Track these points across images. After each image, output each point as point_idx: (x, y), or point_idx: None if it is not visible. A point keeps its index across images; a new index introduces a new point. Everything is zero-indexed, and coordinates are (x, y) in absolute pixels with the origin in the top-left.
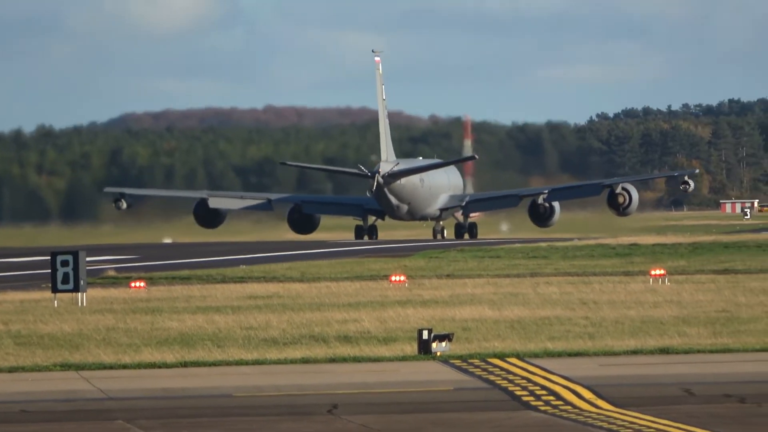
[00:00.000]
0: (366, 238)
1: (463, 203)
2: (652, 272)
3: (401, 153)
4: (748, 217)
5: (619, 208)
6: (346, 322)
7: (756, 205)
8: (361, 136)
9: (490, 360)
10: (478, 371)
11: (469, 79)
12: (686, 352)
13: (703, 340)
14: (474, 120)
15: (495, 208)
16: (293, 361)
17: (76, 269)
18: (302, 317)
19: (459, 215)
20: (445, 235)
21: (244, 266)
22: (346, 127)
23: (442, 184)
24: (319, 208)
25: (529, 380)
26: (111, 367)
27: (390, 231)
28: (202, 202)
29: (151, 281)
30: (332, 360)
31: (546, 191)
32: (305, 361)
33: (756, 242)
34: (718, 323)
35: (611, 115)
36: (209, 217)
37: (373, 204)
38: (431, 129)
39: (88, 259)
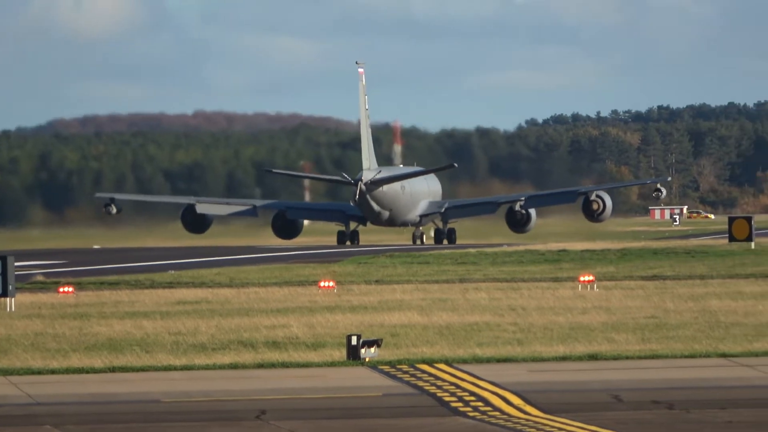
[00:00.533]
0: (348, 243)
1: (443, 210)
2: (581, 278)
3: (331, 159)
4: (677, 223)
5: (594, 215)
6: (275, 328)
7: (685, 211)
8: (290, 142)
9: (418, 366)
10: (406, 377)
11: (399, 84)
12: (615, 358)
13: (631, 346)
14: (403, 125)
15: (474, 214)
16: (222, 367)
17: (4, 274)
18: (231, 323)
19: (438, 221)
20: (424, 240)
21: (173, 271)
22: (275, 132)
23: (422, 191)
24: (302, 214)
25: (457, 386)
26: (39, 372)
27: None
28: (190, 208)
29: (79, 286)
30: (261, 365)
31: (523, 198)
32: (234, 366)
33: (684, 248)
34: (647, 329)
35: (540, 121)
36: (196, 223)
37: (355, 210)
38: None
39: (16, 264)
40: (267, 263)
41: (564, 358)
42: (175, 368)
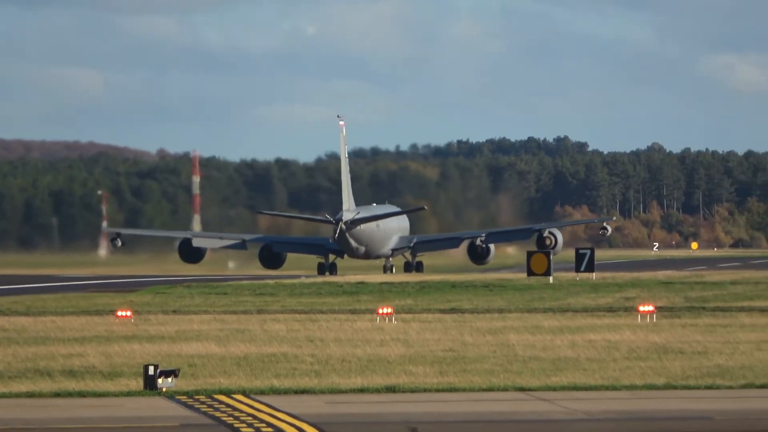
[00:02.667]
0: (327, 273)
1: (412, 244)
2: (380, 311)
3: (131, 189)
4: None
5: (546, 249)
6: (72, 357)
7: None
8: (88, 171)
9: (216, 396)
10: (203, 407)
11: (198, 115)
12: (413, 390)
13: (429, 378)
14: (203, 156)
15: (439, 248)
16: (18, 395)
17: None
18: (27, 351)
19: (408, 254)
20: (393, 271)
21: None
22: (73, 161)
23: (394, 228)
24: (286, 247)
25: (254, 417)
26: None
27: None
28: (186, 241)
29: None
30: (57, 394)
31: (484, 234)
32: (30, 395)
33: (483, 282)
34: (445, 362)
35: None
36: (192, 254)
37: (334, 245)
38: (159, 165)
39: None
40: (66, 292)
41: (362, 390)
42: None
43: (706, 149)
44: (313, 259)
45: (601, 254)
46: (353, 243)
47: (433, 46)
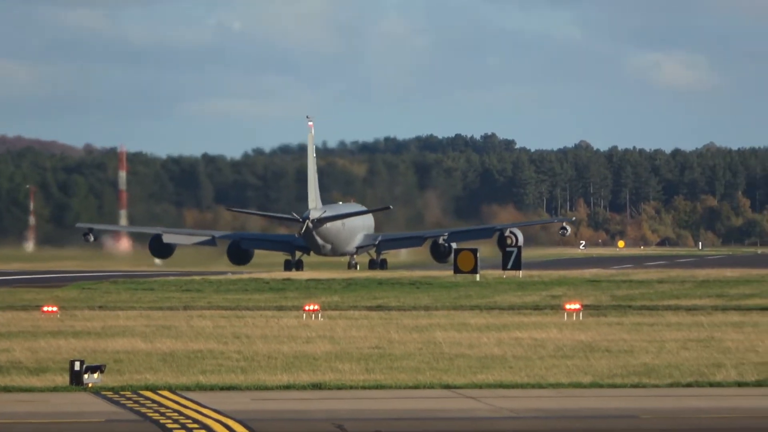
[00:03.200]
0: (294, 270)
1: (377, 242)
2: (306, 307)
3: (58, 183)
4: (403, 254)
5: (507, 248)
6: None
7: None
8: (15, 165)
9: (142, 392)
10: (129, 403)
11: (125, 110)
12: (339, 387)
13: (355, 376)
14: (129, 151)
15: (403, 246)
16: None
17: None
18: None
19: (372, 252)
20: (358, 268)
21: None
22: (0, 155)
23: (358, 226)
24: (254, 244)
25: (180, 413)
26: None
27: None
28: (157, 237)
29: None
30: None
31: (446, 234)
32: None
33: (410, 279)
34: (371, 359)
35: (267, 150)
36: (162, 250)
37: (300, 242)
38: (86, 159)
39: None
40: None
41: (288, 387)
42: None
43: (634, 147)
44: (280, 256)
45: (528, 253)
46: (319, 241)
47: (359, 41)
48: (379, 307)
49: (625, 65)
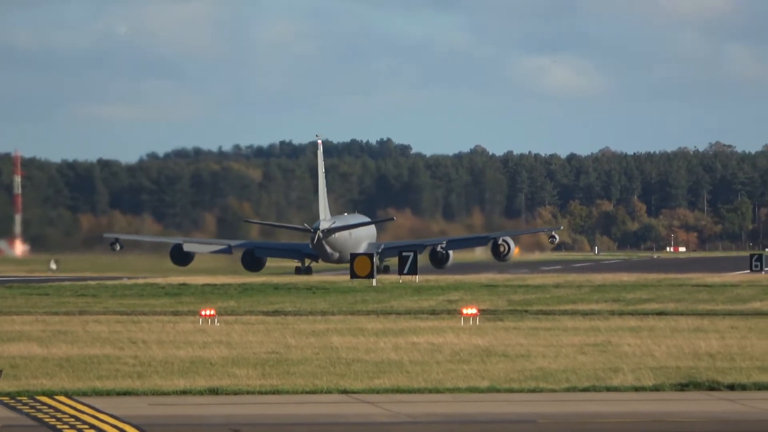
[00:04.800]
0: (304, 275)
1: (380, 250)
2: (202, 312)
3: None
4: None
5: (500, 256)
6: None
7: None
8: None
9: (38, 398)
10: (26, 409)
11: (19, 115)
12: (236, 392)
13: (252, 381)
14: (24, 156)
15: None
16: None
17: None
18: None
19: (376, 259)
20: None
21: None
22: None
23: (363, 235)
24: (266, 252)
25: (77, 418)
26: None
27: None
28: (178, 246)
29: None
30: None
31: (444, 242)
32: None
33: (306, 284)
34: (268, 364)
35: (162, 155)
36: (182, 258)
37: (310, 250)
38: None
39: None
40: None
41: (185, 392)
42: None
43: (529, 152)
44: (291, 263)
45: (425, 257)
46: (329, 249)
47: (246, 46)
48: (275, 312)
49: (514, 70)
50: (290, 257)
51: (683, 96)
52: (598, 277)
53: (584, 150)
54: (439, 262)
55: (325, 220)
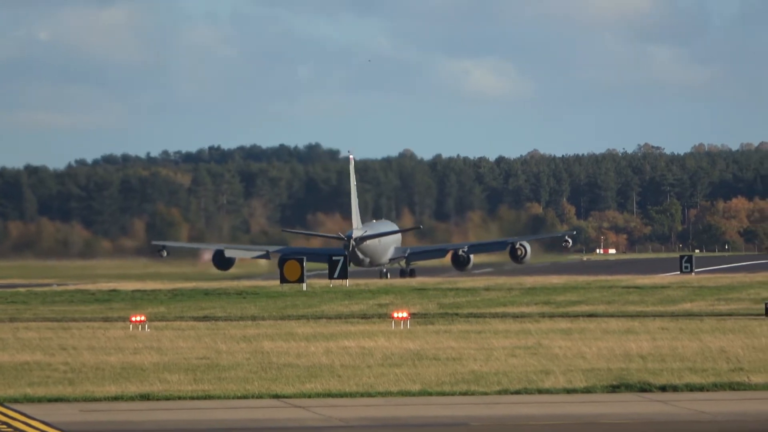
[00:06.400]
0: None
1: (406, 254)
2: (133, 318)
3: None
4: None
5: (518, 258)
6: None
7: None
8: None
9: None
10: None
11: None
12: (167, 398)
13: (184, 386)
14: None
15: (428, 258)
16: None
17: None
18: None
19: (402, 263)
20: (389, 276)
21: None
22: None
23: (390, 241)
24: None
25: (8, 425)
26: None
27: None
28: (219, 252)
29: None
30: None
31: (466, 246)
32: None
33: (236, 289)
34: (199, 370)
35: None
36: (223, 263)
37: (342, 254)
38: None
39: None
40: None
41: (116, 398)
42: None
43: (458, 155)
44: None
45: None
46: (360, 255)
47: (169, 51)
48: (206, 318)
49: (438, 73)
50: (322, 261)
51: (610, 98)
52: (529, 280)
53: (513, 153)
54: (461, 264)
55: (358, 229)
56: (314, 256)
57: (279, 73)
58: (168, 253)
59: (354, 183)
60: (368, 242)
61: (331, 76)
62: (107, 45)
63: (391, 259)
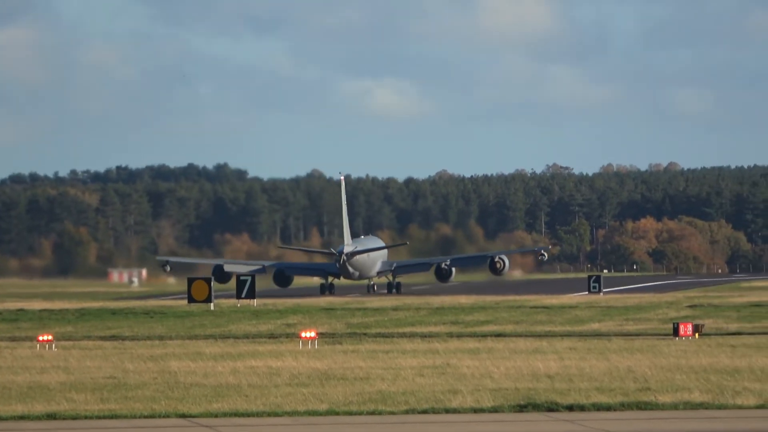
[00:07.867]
0: (327, 292)
1: (393, 268)
2: (40, 338)
3: None
4: (136, 284)
5: (497, 271)
6: None
7: (145, 274)
8: None
9: None
10: None
11: None
12: (74, 417)
13: (90, 406)
14: None
15: (414, 271)
16: None
17: None
18: None
19: (389, 276)
20: (376, 289)
21: None
22: None
23: (378, 256)
24: (295, 271)
25: None
26: None
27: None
28: (219, 267)
29: None
30: None
31: (448, 260)
32: None
33: (143, 309)
34: (106, 389)
35: None
36: (222, 277)
37: (333, 269)
38: None
39: None
40: None
41: (23, 417)
42: None
43: (366, 175)
44: (316, 280)
45: (263, 281)
46: (350, 269)
47: (70, 71)
48: (113, 337)
49: (341, 93)
50: (315, 275)
51: (517, 118)
52: (437, 300)
53: (422, 173)
54: (443, 277)
55: (348, 245)
56: (309, 270)
57: (181, 93)
58: (171, 268)
59: (344, 201)
60: (358, 257)
61: (234, 95)
62: (6, 64)
63: (378, 273)
